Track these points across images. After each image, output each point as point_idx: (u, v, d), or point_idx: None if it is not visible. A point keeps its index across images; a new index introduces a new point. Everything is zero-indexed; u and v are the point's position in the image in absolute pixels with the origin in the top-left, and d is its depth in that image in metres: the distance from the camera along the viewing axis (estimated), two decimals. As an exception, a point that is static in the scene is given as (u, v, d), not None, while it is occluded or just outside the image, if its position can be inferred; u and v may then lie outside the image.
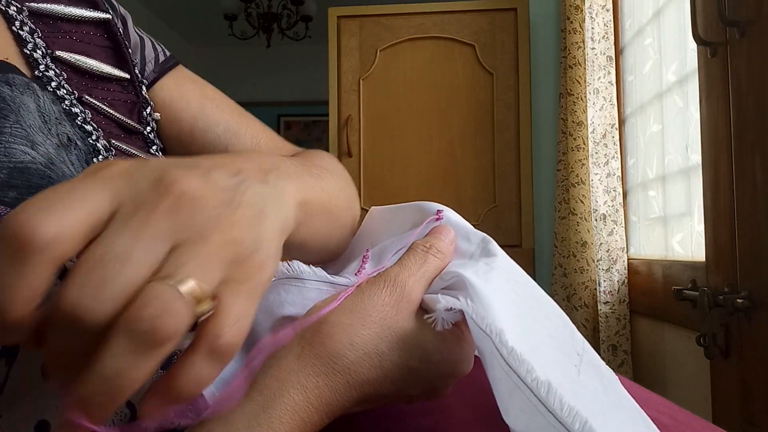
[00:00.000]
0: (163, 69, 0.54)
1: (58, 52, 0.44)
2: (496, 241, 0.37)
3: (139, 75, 0.51)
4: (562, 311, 0.34)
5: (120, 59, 0.49)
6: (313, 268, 0.37)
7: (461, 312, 0.30)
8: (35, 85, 0.39)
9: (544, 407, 0.25)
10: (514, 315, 0.31)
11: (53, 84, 0.42)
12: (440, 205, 0.40)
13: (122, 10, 0.54)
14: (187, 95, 0.55)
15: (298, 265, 0.37)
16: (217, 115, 0.56)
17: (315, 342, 0.31)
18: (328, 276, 0.36)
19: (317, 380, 0.30)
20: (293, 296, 0.36)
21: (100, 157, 0.41)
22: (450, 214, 0.39)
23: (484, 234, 0.37)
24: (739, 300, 0.98)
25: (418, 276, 0.34)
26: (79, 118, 0.42)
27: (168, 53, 0.56)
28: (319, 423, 0.30)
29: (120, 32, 0.50)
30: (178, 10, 4.62)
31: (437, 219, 0.39)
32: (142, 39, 0.54)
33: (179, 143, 0.54)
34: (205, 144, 0.54)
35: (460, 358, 0.33)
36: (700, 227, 1.23)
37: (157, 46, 0.55)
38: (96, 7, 0.49)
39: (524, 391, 0.25)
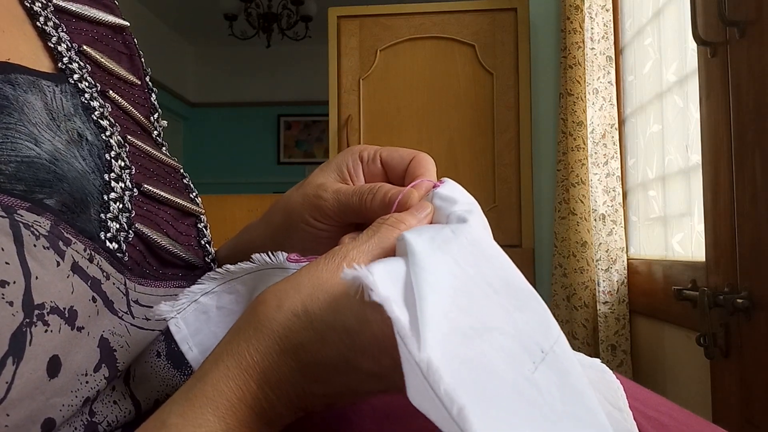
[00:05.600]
0: None
1: (84, 47, 0.46)
2: (496, 242, 0.36)
3: (150, 83, 0.53)
4: (544, 306, 0.31)
5: (133, 66, 0.51)
6: (293, 256, 0.37)
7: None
8: (44, 82, 0.39)
9: (427, 383, 0.23)
10: (458, 291, 0.29)
11: (75, 76, 0.42)
12: (445, 179, 0.39)
13: None
14: None
15: (281, 255, 0.37)
16: None
17: (250, 310, 0.31)
18: (307, 262, 0.36)
19: (247, 345, 0.30)
20: None
21: (112, 152, 0.41)
22: (452, 186, 0.38)
23: (474, 202, 0.36)
24: (739, 300, 0.98)
25: (365, 246, 0.33)
26: (96, 113, 0.42)
27: None
28: (260, 394, 0.29)
29: (135, 41, 0.53)
30: (178, 10, 4.62)
31: (434, 186, 0.38)
32: None
33: None
34: None
35: None
36: (700, 227, 1.23)
37: None
38: (115, 14, 0.51)
39: (412, 364, 0.24)
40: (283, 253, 0.37)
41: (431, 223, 0.36)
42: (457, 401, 0.23)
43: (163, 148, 0.51)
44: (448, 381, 0.23)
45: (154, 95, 0.53)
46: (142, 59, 0.53)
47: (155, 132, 0.51)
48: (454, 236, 0.32)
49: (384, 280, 0.27)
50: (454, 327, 0.27)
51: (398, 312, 0.26)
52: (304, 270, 0.32)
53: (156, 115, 0.52)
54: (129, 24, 0.52)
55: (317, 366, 0.30)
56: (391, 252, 0.33)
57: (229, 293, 0.37)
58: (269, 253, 0.37)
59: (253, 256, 0.37)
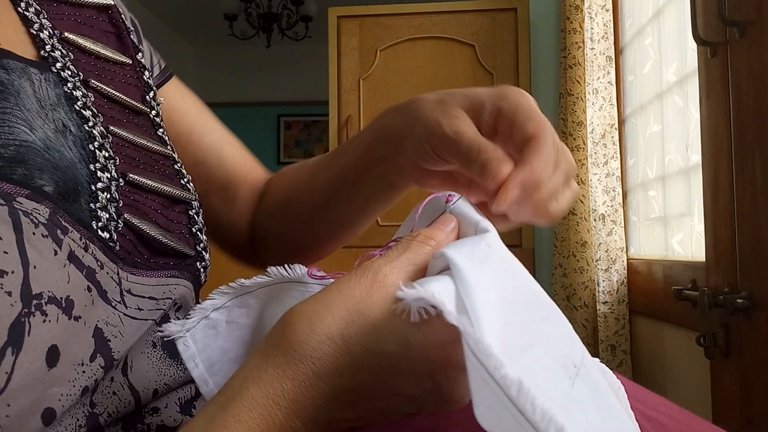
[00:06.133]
0: (164, 77, 0.58)
1: (66, 33, 0.45)
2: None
3: (141, 61, 0.51)
4: (564, 318, 0.31)
5: (122, 45, 0.50)
6: (314, 271, 0.36)
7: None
8: (32, 69, 0.39)
9: (515, 407, 0.22)
10: (504, 307, 0.28)
11: (58, 65, 0.42)
12: (453, 193, 0.38)
13: (131, 16, 0.56)
14: (187, 101, 0.60)
15: (299, 269, 0.36)
16: (212, 123, 0.61)
17: (277, 333, 0.29)
18: (331, 280, 0.36)
19: (277, 372, 0.27)
20: (296, 301, 0.35)
21: (96, 143, 0.40)
22: (464, 201, 0.37)
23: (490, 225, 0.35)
24: (739, 300, 0.98)
25: (396, 262, 0.31)
26: (78, 103, 0.41)
27: (164, 64, 0.60)
28: (287, 425, 0.27)
29: (122, 19, 0.51)
30: (178, 10, 4.62)
31: (446, 201, 0.37)
32: (148, 47, 0.58)
33: (176, 144, 0.57)
34: (200, 147, 0.59)
35: (451, 338, 0.28)
36: (700, 227, 1.23)
37: (156, 56, 0.59)
38: None
39: (493, 387, 0.23)
40: (302, 267, 0.36)
41: (458, 235, 0.35)
42: (556, 421, 0.22)
43: (160, 130, 0.50)
44: (543, 400, 0.22)
45: (147, 73, 0.51)
46: (132, 36, 0.51)
47: (153, 112, 0.49)
48: (490, 250, 0.31)
49: (451, 301, 0.26)
50: (506, 344, 0.26)
51: (473, 332, 0.24)
52: (333, 288, 0.30)
53: (152, 94, 0.50)
54: (113, 2, 0.50)
55: (352, 391, 0.28)
56: (423, 267, 0.32)
57: (240, 307, 0.37)
58: (286, 266, 0.36)
59: (269, 269, 0.36)
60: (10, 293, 0.29)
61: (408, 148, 0.42)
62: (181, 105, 0.59)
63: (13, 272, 0.30)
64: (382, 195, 0.48)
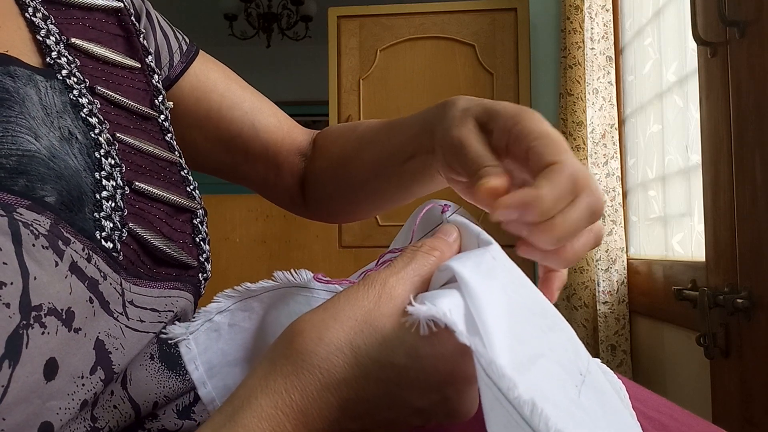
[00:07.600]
0: (189, 57, 0.59)
1: (73, 39, 0.44)
2: (497, 242, 0.36)
3: (152, 64, 0.51)
4: (568, 325, 0.31)
5: (131, 48, 0.49)
6: (320, 276, 0.36)
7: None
8: (38, 76, 0.38)
9: (528, 427, 0.22)
10: (511, 320, 0.28)
11: (64, 72, 0.41)
12: (449, 202, 0.38)
13: (147, 8, 0.56)
14: (213, 76, 0.60)
15: (306, 274, 0.36)
16: (240, 94, 0.61)
17: (285, 342, 0.29)
18: (338, 286, 0.35)
19: (285, 381, 0.27)
20: (301, 306, 0.35)
21: (102, 150, 0.40)
22: (462, 211, 0.37)
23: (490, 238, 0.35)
24: (739, 300, 0.98)
25: (402, 274, 0.31)
26: (84, 110, 0.41)
27: (188, 40, 0.60)
28: None
29: (132, 21, 0.51)
30: (178, 10, 4.62)
31: (442, 212, 0.37)
32: (165, 32, 0.57)
33: (208, 121, 0.58)
34: (232, 121, 0.60)
35: (460, 350, 0.27)
36: (700, 227, 1.23)
37: (178, 34, 0.59)
38: None
39: (506, 407, 0.23)
40: (308, 272, 0.36)
41: (460, 245, 0.35)
42: None
43: (168, 135, 0.49)
44: (555, 421, 0.22)
45: (156, 77, 0.50)
46: (143, 40, 0.51)
47: (162, 116, 0.49)
48: (495, 262, 0.31)
49: (461, 320, 0.26)
50: (516, 358, 0.26)
51: (486, 352, 0.25)
52: (341, 298, 0.30)
53: (161, 98, 0.50)
54: (123, 5, 0.50)
55: (359, 402, 0.28)
56: (428, 278, 0.32)
57: (243, 310, 0.37)
58: (293, 271, 0.36)
59: (275, 273, 0.36)
60: (8, 305, 0.29)
61: (436, 149, 0.42)
62: (205, 83, 0.59)
63: (12, 283, 0.29)
64: (426, 181, 0.47)
